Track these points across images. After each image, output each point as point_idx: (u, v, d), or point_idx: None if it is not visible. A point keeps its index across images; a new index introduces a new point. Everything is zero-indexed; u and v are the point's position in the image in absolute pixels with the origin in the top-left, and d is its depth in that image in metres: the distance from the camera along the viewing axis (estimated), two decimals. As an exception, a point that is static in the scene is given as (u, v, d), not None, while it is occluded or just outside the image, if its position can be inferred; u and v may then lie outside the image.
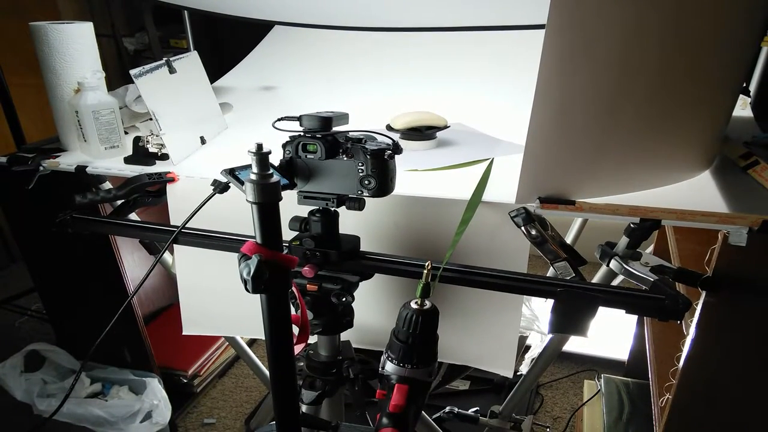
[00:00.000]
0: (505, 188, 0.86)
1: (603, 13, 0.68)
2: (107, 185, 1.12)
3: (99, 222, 1.03)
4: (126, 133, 1.18)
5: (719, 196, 0.85)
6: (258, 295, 0.62)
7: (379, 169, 0.74)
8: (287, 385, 0.69)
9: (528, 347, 1.68)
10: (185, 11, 1.94)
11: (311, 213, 0.81)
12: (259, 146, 0.57)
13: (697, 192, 0.87)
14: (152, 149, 1.09)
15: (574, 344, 1.96)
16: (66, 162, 1.09)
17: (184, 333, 1.17)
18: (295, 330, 0.74)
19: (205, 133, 1.18)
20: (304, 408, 0.92)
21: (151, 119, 1.06)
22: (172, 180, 1.01)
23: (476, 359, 1.04)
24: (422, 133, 1.13)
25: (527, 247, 0.89)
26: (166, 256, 1.24)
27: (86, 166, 1.07)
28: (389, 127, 1.16)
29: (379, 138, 0.77)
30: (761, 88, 1.36)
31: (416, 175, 0.99)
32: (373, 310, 1.02)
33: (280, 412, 0.71)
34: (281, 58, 1.74)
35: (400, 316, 0.64)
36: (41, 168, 1.10)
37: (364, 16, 1.25)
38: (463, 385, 1.78)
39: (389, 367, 0.66)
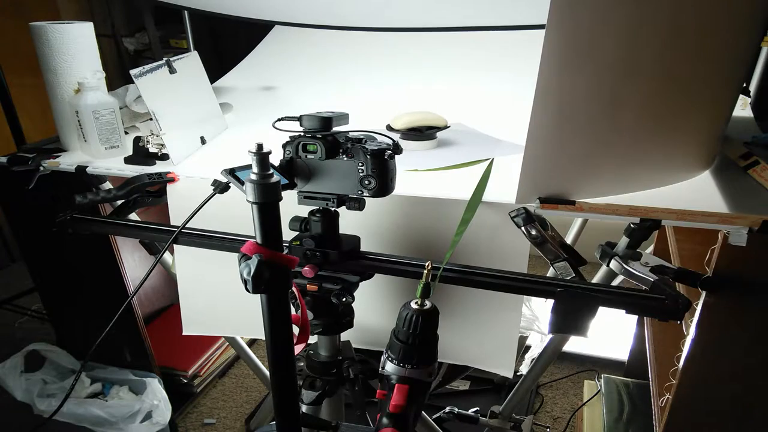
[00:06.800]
0: (505, 188, 0.86)
1: (603, 13, 0.68)
2: (107, 185, 1.12)
3: (99, 222, 1.03)
4: (126, 133, 1.18)
5: (719, 196, 0.84)
6: (258, 295, 0.62)
7: (380, 169, 0.74)
8: (287, 385, 0.69)
9: (528, 347, 1.68)
10: (185, 11, 1.94)
11: (311, 213, 0.81)
12: (260, 146, 0.57)
13: (697, 192, 0.86)
14: (152, 149, 1.09)
15: (574, 344, 1.95)
16: (66, 162, 1.09)
17: (184, 333, 1.17)
18: (295, 330, 0.74)
19: (205, 133, 1.18)
20: (304, 408, 0.92)
21: (151, 119, 1.06)
22: (172, 180, 1.01)
23: (476, 359, 1.04)
24: (422, 133, 1.13)
25: (527, 247, 0.89)
26: (166, 256, 1.24)
27: (86, 166, 1.07)
28: (389, 127, 1.16)
29: (379, 138, 0.77)
30: (761, 88, 1.36)
31: (416, 175, 0.99)
32: (373, 310, 1.02)
33: (280, 412, 0.71)
34: (281, 58, 1.74)
35: (400, 316, 0.64)
36: (41, 168, 1.10)
37: (364, 16, 1.25)
38: (463, 385, 1.78)
39: (389, 367, 0.66)
